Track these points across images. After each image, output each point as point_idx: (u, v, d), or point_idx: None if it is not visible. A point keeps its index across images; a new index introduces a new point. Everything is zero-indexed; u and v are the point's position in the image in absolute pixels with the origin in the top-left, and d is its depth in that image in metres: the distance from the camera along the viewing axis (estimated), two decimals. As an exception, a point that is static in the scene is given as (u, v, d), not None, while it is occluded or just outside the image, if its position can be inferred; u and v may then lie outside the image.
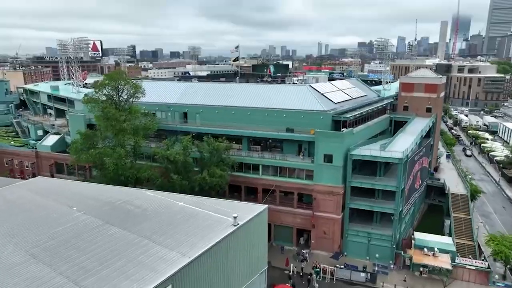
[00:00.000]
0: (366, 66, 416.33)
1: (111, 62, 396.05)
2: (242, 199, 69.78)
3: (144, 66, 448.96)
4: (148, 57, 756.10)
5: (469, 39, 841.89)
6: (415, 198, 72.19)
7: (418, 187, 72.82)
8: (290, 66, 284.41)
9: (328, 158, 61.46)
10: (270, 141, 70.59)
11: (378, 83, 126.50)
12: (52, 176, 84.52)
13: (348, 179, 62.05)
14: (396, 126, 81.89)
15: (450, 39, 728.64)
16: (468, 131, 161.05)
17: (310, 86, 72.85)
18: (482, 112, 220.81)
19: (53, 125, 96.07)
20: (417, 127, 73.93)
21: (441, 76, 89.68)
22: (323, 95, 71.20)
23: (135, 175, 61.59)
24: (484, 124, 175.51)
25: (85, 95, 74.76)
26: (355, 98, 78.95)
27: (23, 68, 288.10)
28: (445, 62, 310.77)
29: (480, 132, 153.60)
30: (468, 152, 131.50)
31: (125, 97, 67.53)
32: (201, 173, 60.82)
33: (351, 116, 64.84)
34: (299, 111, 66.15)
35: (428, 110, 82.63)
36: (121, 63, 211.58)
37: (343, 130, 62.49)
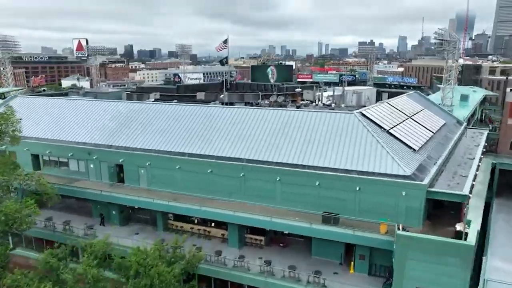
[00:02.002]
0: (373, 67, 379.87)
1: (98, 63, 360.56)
2: None
3: (136, 66, 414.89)
4: (146, 56, 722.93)
5: (473, 38, 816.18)
6: None
7: None
8: (294, 67, 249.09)
9: (429, 299, 25.79)
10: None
11: (398, 87, 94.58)
12: None
13: None
14: (501, 178, 46.44)
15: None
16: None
17: (362, 114, 37.11)
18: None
19: None
20: None
21: None
22: (391, 135, 35.59)
23: None
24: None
25: None
26: (436, 132, 43.45)
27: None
28: (471, 62, 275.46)
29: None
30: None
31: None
32: None
33: (468, 193, 28.98)
34: (352, 177, 30.53)
35: (562, 151, 46.89)
36: (92, 63, 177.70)
37: (461, 230, 26.71)
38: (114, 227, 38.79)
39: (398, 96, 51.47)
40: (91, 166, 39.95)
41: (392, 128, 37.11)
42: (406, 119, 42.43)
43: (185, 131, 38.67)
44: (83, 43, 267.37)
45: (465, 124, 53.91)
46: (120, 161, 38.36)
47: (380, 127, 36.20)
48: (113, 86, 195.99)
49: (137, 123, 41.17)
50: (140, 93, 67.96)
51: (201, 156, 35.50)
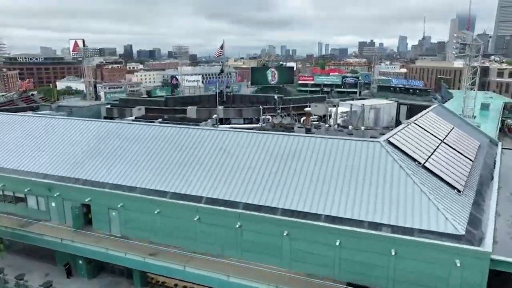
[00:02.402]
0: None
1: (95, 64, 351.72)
2: None
3: (133, 67, 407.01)
4: (145, 56, 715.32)
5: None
6: None
7: None
8: (294, 68, 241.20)
9: None
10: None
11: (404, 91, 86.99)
12: None
13: None
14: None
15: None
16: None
17: (389, 142, 29.56)
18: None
19: None
20: None
21: None
22: (427, 170, 28.01)
23: None
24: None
25: None
26: (475, 160, 35.88)
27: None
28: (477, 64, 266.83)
29: None
30: None
31: None
32: None
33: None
34: (383, 235, 22.93)
35: None
36: (83, 63, 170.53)
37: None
38: (82, 279, 31.47)
39: (423, 113, 43.77)
40: (53, 204, 32.33)
41: (427, 160, 29.54)
42: (439, 144, 34.86)
43: (168, 163, 31.03)
44: (80, 43, 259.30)
45: (500, 144, 46.30)
46: (87, 200, 30.72)
47: (414, 159, 28.60)
48: (109, 88, 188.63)
49: (109, 151, 33.52)
50: (122, 107, 59.67)
51: (186, 198, 27.88)
